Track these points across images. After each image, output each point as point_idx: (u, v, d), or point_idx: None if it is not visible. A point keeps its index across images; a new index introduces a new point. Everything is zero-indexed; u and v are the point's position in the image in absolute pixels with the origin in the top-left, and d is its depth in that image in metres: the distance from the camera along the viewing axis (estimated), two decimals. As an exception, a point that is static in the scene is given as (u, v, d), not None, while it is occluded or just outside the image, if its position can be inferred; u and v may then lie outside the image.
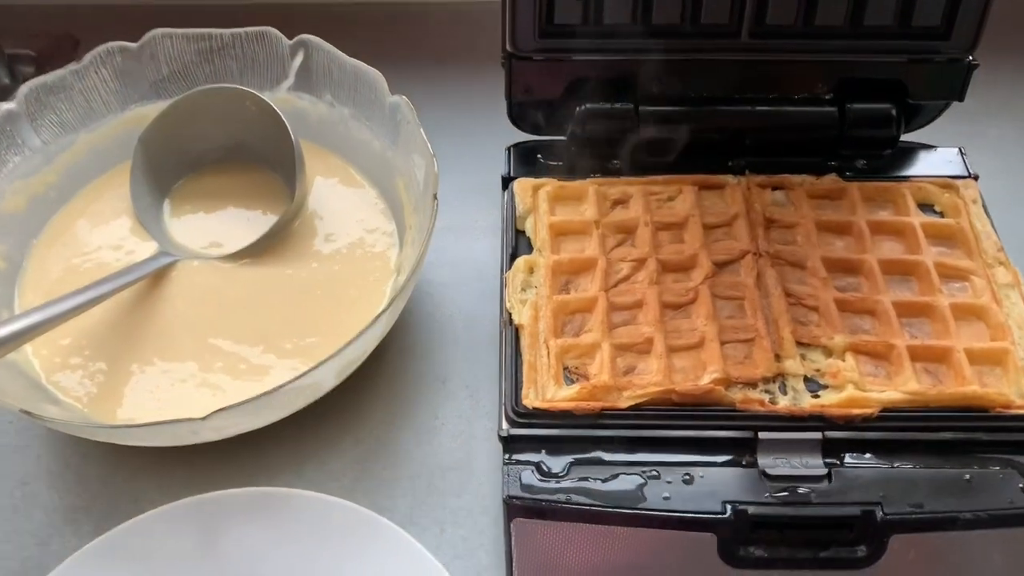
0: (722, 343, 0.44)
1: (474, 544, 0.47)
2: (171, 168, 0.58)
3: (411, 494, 0.49)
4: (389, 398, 0.52)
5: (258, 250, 0.54)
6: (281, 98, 0.58)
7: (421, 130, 0.50)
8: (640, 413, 0.42)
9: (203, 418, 0.40)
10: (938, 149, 0.54)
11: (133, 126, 0.57)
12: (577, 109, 0.52)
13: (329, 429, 0.51)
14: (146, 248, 0.54)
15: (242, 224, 0.56)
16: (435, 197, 0.48)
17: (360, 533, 0.45)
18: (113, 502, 0.48)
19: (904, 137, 0.54)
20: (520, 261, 0.48)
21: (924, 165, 0.54)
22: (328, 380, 0.45)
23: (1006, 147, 0.65)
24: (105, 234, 0.55)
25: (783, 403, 0.42)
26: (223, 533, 0.45)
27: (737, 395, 0.42)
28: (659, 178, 0.52)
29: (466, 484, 0.49)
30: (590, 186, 0.51)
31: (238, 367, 0.48)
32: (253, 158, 0.58)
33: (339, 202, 0.56)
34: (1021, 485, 0.40)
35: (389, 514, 0.45)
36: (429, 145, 0.50)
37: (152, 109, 0.57)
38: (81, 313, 0.47)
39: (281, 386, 0.41)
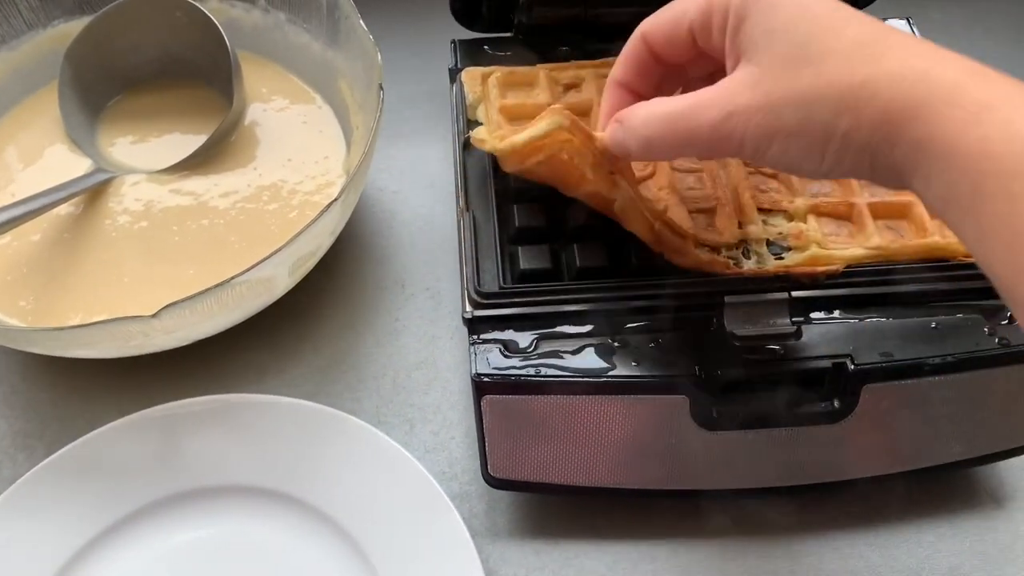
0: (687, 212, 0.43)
1: (444, 438, 0.46)
2: (102, 85, 0.55)
3: (376, 394, 0.48)
4: (348, 304, 0.51)
5: (198, 162, 0.52)
6: (213, 6, 0.55)
7: (360, 21, 0.49)
8: (604, 284, 0.41)
9: (152, 315, 0.39)
10: (887, 21, 0.54)
11: (58, 44, 0.54)
12: (521, -3, 0.51)
13: (287, 337, 0.49)
14: (83, 170, 0.52)
15: (180, 142, 0.54)
16: (380, 87, 0.46)
17: (326, 432, 0.43)
18: (67, 425, 0.46)
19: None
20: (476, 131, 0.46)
21: (873, 38, 0.53)
22: (281, 276, 0.43)
23: (950, 26, 0.65)
24: (39, 162, 0.53)
25: (748, 267, 0.42)
26: (183, 442, 0.43)
27: (704, 256, 0.41)
28: (611, 60, 0.50)
29: (432, 381, 0.48)
30: (541, 71, 0.49)
31: (186, 274, 0.46)
32: (189, 72, 0.56)
33: (280, 110, 0.54)
34: (985, 329, 0.41)
35: (355, 416, 0.44)
36: (370, 36, 0.48)
37: (77, 25, 0.54)
38: (11, 228, 0.45)
39: (231, 279, 0.39)
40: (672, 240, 0.41)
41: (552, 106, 0.38)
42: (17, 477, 0.43)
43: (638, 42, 0.38)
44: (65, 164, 0.52)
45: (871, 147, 0.30)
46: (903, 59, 0.30)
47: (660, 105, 0.35)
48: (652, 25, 0.37)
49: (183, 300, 0.39)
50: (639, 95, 0.39)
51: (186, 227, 0.49)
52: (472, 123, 0.49)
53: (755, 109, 0.32)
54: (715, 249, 0.42)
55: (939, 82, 0.29)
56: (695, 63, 0.38)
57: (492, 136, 0.44)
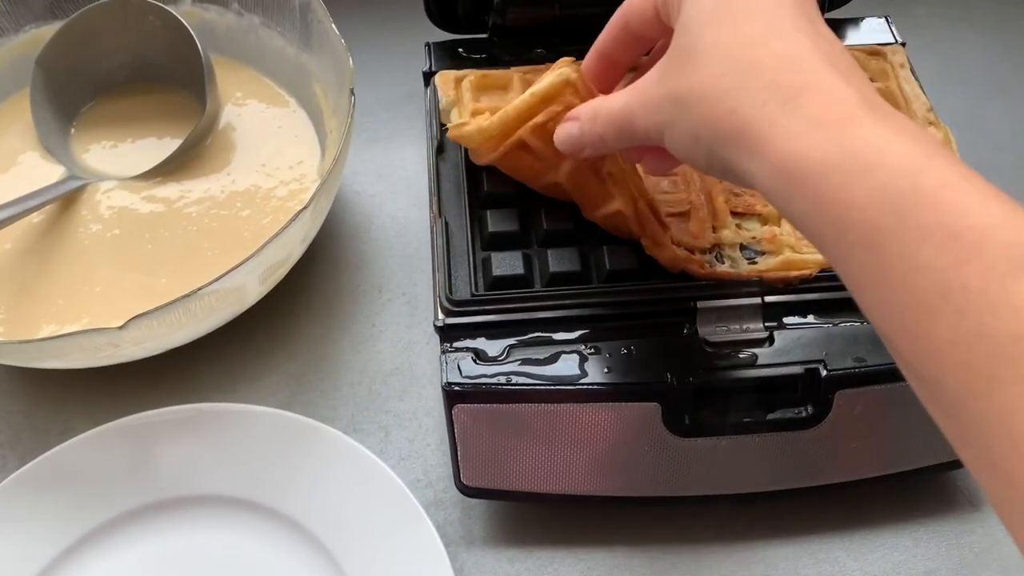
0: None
1: (420, 445, 0.46)
2: (75, 92, 0.54)
3: (352, 402, 0.47)
4: (323, 310, 0.51)
5: (171, 168, 0.51)
6: (186, 10, 0.55)
7: (333, 25, 0.48)
8: (575, 291, 0.41)
9: (121, 327, 0.38)
10: (864, 20, 0.53)
11: (30, 49, 0.54)
12: (496, -1, 0.50)
13: (261, 344, 0.49)
14: (56, 177, 0.52)
15: (154, 147, 0.53)
16: (352, 92, 0.46)
17: (300, 441, 0.43)
18: (39, 436, 0.46)
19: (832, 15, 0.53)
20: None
21: (851, 36, 0.53)
22: (252, 285, 0.43)
23: (933, 22, 0.64)
24: (11, 170, 0.52)
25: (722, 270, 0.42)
26: (156, 452, 0.43)
27: (680, 253, 0.41)
28: (585, 62, 0.50)
29: (408, 388, 0.48)
30: (515, 74, 0.49)
31: (159, 283, 0.46)
32: (162, 77, 0.55)
33: (255, 115, 0.54)
34: (960, 332, 0.40)
35: (331, 423, 0.44)
36: (342, 40, 0.48)
37: (48, 30, 0.54)
38: (-17, 237, 0.44)
39: (199, 289, 0.39)
40: (652, 226, 0.41)
41: (561, 59, 0.40)
42: (-10, 488, 0.42)
43: (618, 15, 0.39)
44: (38, 171, 0.52)
45: (716, 150, 0.31)
46: (772, 76, 0.29)
47: (607, 103, 0.36)
48: (628, 2, 0.38)
49: (151, 311, 0.38)
50: (621, 65, 0.40)
51: (159, 235, 0.48)
52: (445, 128, 0.48)
53: (651, 105, 0.33)
54: (689, 252, 0.42)
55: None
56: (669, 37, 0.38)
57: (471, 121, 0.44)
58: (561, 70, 0.39)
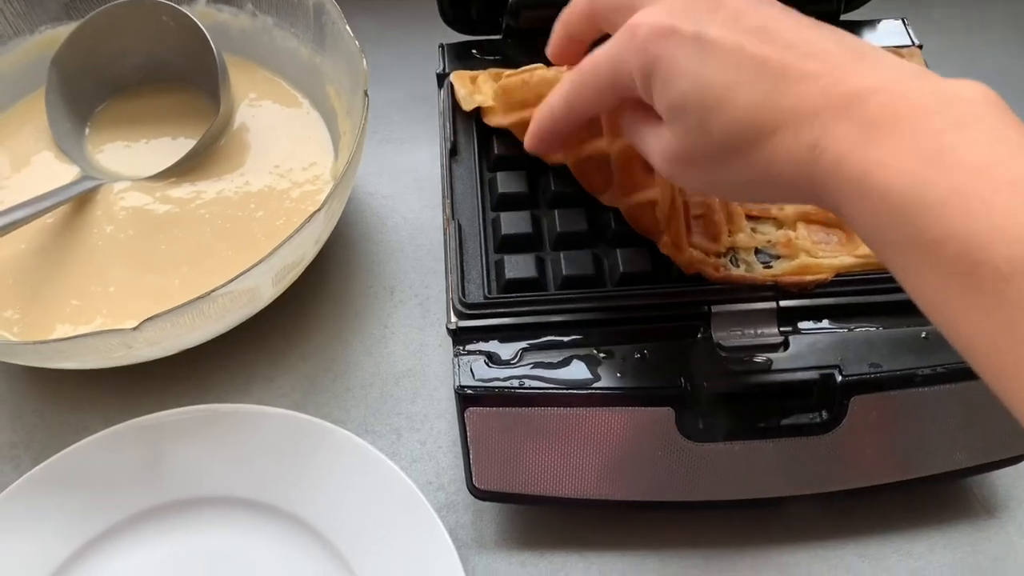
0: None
1: (432, 447, 0.46)
2: (90, 92, 0.55)
3: (364, 404, 0.47)
4: (336, 312, 0.51)
5: (185, 168, 0.51)
6: (200, 11, 0.55)
7: (347, 27, 0.48)
8: (588, 294, 0.41)
9: (134, 328, 0.38)
10: (881, 22, 0.53)
11: (45, 50, 0.54)
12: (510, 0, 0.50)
13: (275, 346, 0.49)
14: (71, 177, 0.52)
15: (168, 147, 0.53)
16: (366, 93, 0.46)
17: (312, 443, 0.43)
18: (53, 436, 0.46)
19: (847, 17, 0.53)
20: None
21: (867, 38, 0.52)
22: (265, 286, 0.43)
23: (951, 24, 0.64)
24: (26, 170, 0.52)
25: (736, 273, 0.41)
26: (169, 453, 0.43)
27: (697, 255, 0.41)
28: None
29: (420, 390, 0.48)
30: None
31: (172, 284, 0.46)
32: (176, 78, 0.55)
33: (269, 116, 0.54)
34: (977, 338, 0.40)
35: (343, 425, 0.44)
36: (356, 41, 0.47)
37: (64, 31, 0.54)
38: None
39: (213, 291, 0.39)
40: (679, 225, 0.41)
41: None
42: (3, 488, 0.43)
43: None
44: (53, 172, 0.52)
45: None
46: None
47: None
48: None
49: (164, 313, 0.38)
50: (584, 44, 0.39)
51: (173, 236, 0.48)
52: (456, 131, 0.48)
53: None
54: (704, 255, 0.42)
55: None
56: None
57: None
58: None
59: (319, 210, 0.42)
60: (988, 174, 0.26)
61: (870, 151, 0.27)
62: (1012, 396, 0.26)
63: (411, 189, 0.56)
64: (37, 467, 0.43)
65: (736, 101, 0.30)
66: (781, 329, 0.40)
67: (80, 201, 0.50)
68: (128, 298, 0.46)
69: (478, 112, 0.47)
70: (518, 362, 0.40)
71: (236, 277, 0.39)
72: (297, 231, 0.41)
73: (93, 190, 0.50)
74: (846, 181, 0.28)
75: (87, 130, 0.55)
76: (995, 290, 0.25)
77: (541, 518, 0.43)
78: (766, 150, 0.30)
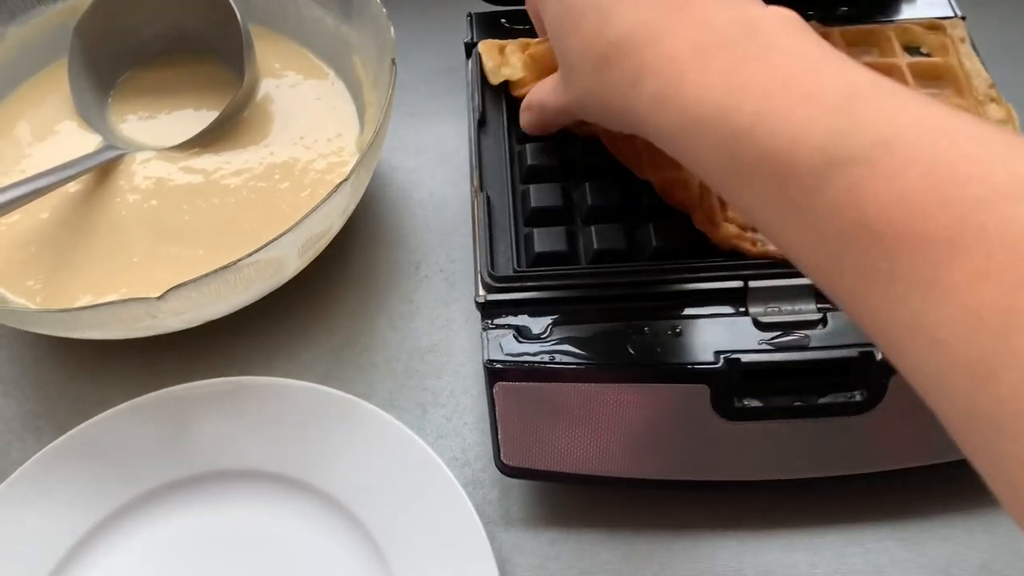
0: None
1: (458, 423, 0.45)
2: (112, 61, 0.54)
3: (389, 378, 0.47)
4: (361, 286, 0.50)
5: (209, 139, 0.51)
6: (225, -20, 0.54)
7: (374, -7, 0.47)
8: (621, 268, 0.40)
9: (159, 297, 0.38)
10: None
11: (68, 18, 0.53)
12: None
13: (299, 320, 0.49)
14: (93, 146, 0.51)
15: (192, 118, 0.53)
16: (393, 62, 0.45)
17: (337, 417, 0.43)
18: (76, 407, 0.46)
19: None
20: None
21: (908, 10, 0.51)
22: (291, 257, 0.42)
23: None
24: (49, 139, 0.52)
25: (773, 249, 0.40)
26: (191, 425, 0.43)
27: (733, 230, 0.40)
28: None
29: (446, 365, 0.47)
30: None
31: (196, 255, 0.45)
32: (200, 48, 0.55)
33: (293, 86, 0.53)
34: (1023, 317, 0.39)
35: (368, 399, 0.43)
36: (383, 9, 0.46)
37: (86, -1, 0.53)
38: (21, 206, 0.44)
39: (238, 261, 0.38)
40: (712, 199, 0.40)
41: None
42: (26, 458, 0.42)
43: None
44: (75, 141, 0.51)
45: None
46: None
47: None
48: None
49: (190, 282, 0.38)
50: None
51: (196, 206, 0.48)
52: (485, 103, 0.47)
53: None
54: (741, 230, 0.41)
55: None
56: None
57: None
58: None
59: (346, 180, 0.41)
60: (785, 93, 0.28)
61: (686, 86, 0.30)
62: (838, 300, 0.28)
63: (437, 163, 0.55)
64: (60, 437, 0.42)
65: (580, 28, 0.34)
66: (819, 305, 0.39)
67: (103, 171, 0.49)
68: (151, 268, 0.46)
69: (507, 82, 0.46)
70: (548, 336, 0.39)
71: (263, 246, 0.39)
72: (324, 200, 0.40)
73: (116, 160, 0.50)
74: (665, 116, 0.31)
75: (110, 100, 0.54)
76: (807, 204, 0.27)
77: (569, 496, 0.43)
78: (601, 78, 0.34)
